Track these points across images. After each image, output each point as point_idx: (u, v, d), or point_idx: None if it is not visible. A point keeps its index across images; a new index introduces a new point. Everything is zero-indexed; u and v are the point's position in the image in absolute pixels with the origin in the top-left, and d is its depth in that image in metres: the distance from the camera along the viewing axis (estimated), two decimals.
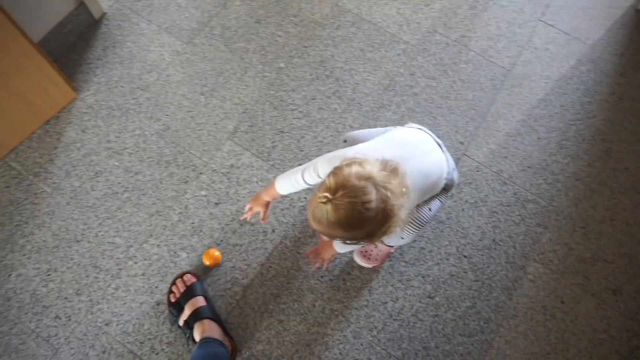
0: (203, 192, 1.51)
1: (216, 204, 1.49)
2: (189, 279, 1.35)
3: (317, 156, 1.54)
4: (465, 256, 1.47)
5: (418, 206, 1.14)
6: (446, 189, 1.17)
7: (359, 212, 0.83)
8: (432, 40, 1.80)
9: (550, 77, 1.76)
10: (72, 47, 1.69)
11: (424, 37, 1.80)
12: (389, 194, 0.86)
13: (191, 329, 1.28)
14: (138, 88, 1.65)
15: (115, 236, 1.44)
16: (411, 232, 1.16)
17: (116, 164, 1.53)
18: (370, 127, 1.61)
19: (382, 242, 1.29)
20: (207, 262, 1.39)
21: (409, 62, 1.75)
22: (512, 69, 1.77)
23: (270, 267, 1.42)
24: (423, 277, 1.44)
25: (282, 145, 1.58)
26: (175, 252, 1.43)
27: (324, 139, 1.60)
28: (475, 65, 1.76)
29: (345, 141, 1.25)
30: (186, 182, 1.52)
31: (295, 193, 1.38)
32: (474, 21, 1.85)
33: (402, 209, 0.88)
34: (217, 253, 1.39)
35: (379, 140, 1.13)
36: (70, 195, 1.48)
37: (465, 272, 1.45)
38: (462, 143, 1.63)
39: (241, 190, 1.51)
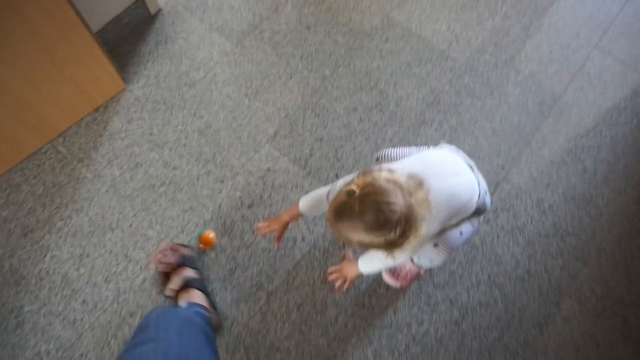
0: (238, 193, 1.51)
1: (249, 206, 1.50)
2: (180, 249, 1.36)
3: (354, 168, 1.55)
4: (496, 285, 1.43)
5: (448, 229, 1.11)
6: (478, 212, 1.13)
7: (383, 212, 0.81)
8: (480, 60, 1.76)
9: (602, 107, 1.70)
10: (126, 39, 1.74)
11: (472, 55, 1.77)
12: (413, 202, 0.84)
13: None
14: (185, 84, 1.67)
15: (148, 228, 1.46)
16: (441, 254, 1.13)
17: (156, 157, 1.56)
18: (410, 143, 1.60)
19: (412, 263, 1.27)
20: (200, 245, 1.40)
21: (455, 80, 1.72)
22: (561, 95, 1.71)
23: (296, 275, 1.42)
24: (451, 302, 1.40)
25: (320, 153, 1.58)
26: (204, 251, 1.44)
27: (362, 150, 1.59)
28: (523, 89, 1.71)
29: (377, 159, 1.23)
30: (222, 181, 1.53)
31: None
32: (525, 43, 1.80)
33: (424, 223, 0.86)
34: (212, 235, 1.41)
35: (407, 160, 1.11)
36: (109, 183, 1.52)
37: (495, 302, 1.41)
38: (502, 167, 1.58)
39: (275, 194, 1.51)
